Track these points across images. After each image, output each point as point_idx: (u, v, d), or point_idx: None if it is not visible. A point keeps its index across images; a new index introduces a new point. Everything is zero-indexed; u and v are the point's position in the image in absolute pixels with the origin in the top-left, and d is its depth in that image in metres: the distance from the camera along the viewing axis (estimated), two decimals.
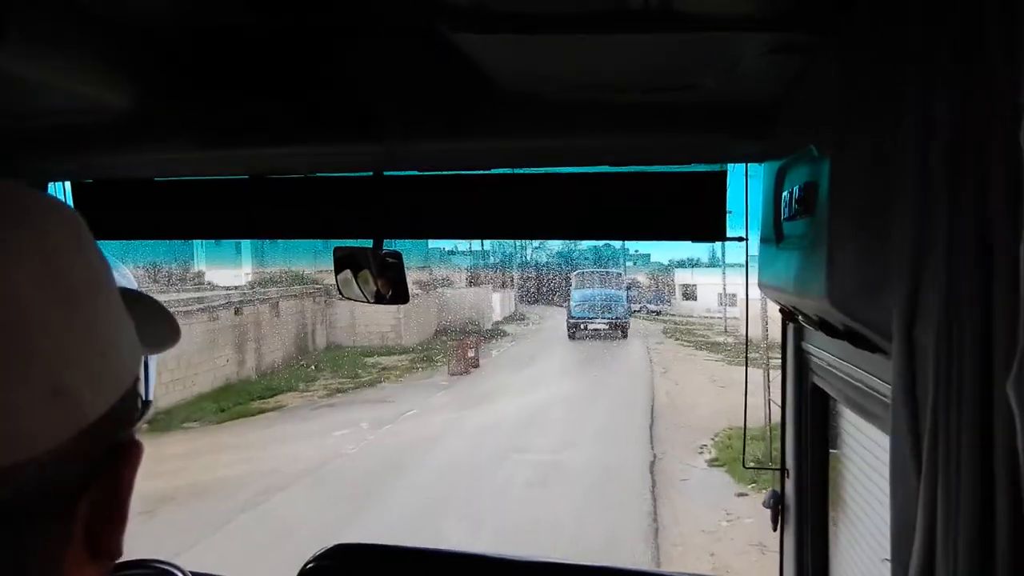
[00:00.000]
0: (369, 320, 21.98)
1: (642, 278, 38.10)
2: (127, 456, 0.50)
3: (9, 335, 0.41)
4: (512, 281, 34.56)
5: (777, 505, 1.75)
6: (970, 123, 0.58)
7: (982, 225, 0.57)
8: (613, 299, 25.79)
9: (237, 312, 17.73)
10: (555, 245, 39.90)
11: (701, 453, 11.39)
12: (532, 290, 35.48)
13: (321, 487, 9.55)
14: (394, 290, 1.59)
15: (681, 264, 38.18)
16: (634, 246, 43.03)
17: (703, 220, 1.44)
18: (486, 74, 1.12)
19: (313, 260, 21.70)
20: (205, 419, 13.89)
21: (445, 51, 1.01)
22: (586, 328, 25.05)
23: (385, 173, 1.53)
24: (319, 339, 21.49)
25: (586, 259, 37.00)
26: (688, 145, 1.44)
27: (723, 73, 1.09)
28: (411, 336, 22.47)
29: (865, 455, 1.41)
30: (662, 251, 42.25)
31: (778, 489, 1.76)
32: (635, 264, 41.15)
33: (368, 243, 1.56)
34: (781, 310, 1.38)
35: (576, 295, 26.46)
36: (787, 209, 1.09)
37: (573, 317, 25.51)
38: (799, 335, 1.56)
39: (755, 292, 1.51)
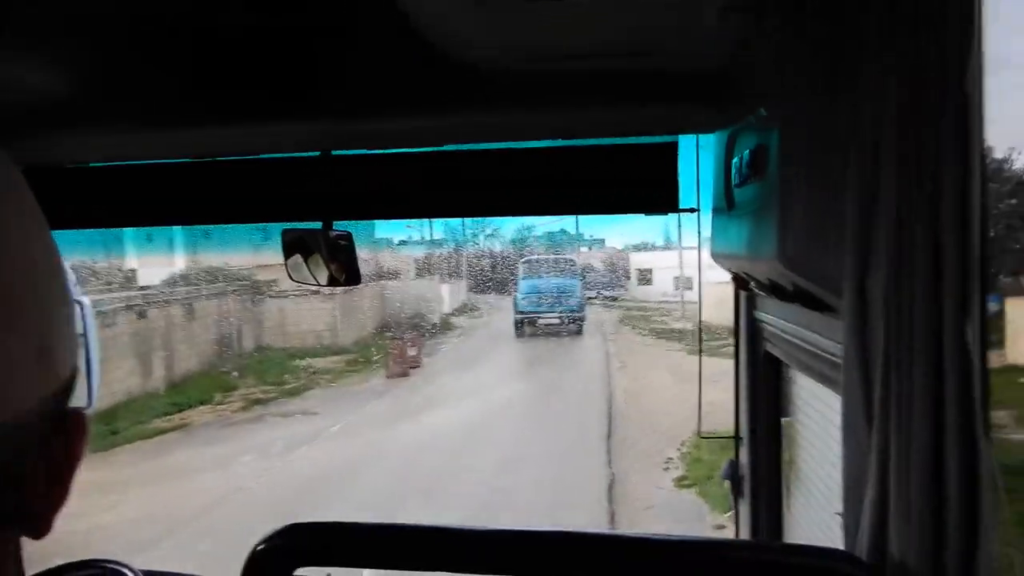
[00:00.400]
0: (301, 318, 20.04)
1: (597, 263, 36.97)
2: (76, 426, 0.48)
3: (6, 294, 0.42)
4: (463, 270, 32.99)
5: (735, 476, 1.76)
6: (919, 81, 0.59)
7: (931, 175, 0.58)
8: (566, 289, 22.41)
9: (141, 316, 15.79)
10: (508, 231, 38.68)
11: (667, 469, 9.82)
12: (485, 279, 33.97)
13: (196, 545, 7.64)
14: (347, 272, 1.61)
15: (637, 248, 37.18)
16: (588, 229, 41.89)
17: (655, 192, 1.43)
18: (435, 47, 1.09)
19: (255, 252, 19.75)
20: (93, 445, 11.88)
21: (398, 26, 0.99)
22: (535, 324, 21.81)
23: (333, 152, 1.51)
24: (246, 341, 19.43)
25: (541, 245, 35.55)
26: (640, 116, 1.45)
27: (677, 37, 1.08)
28: (350, 334, 20.52)
29: (818, 418, 1.46)
30: (617, 235, 41.17)
31: (735, 459, 1.77)
32: (590, 249, 40.04)
33: (318, 225, 1.55)
34: (734, 278, 1.48)
35: (524, 285, 22.77)
36: (738, 175, 1.12)
37: (520, 311, 21.92)
38: (751, 303, 1.61)
39: (710, 275, 1.62)
